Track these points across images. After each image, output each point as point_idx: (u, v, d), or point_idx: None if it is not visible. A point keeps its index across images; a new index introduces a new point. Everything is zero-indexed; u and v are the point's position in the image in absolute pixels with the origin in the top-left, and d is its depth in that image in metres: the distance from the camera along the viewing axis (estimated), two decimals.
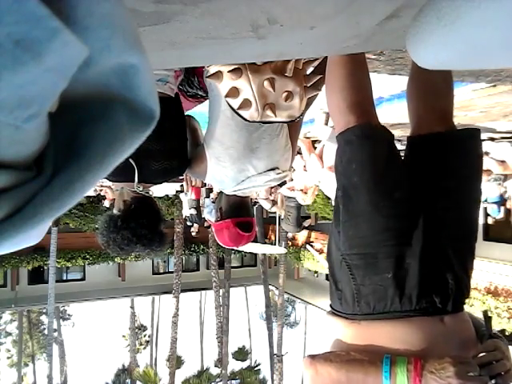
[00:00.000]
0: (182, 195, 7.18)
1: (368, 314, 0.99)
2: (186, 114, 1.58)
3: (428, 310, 0.95)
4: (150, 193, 1.46)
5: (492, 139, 4.82)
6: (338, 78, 1.13)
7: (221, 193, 1.60)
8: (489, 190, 5.13)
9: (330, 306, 1.12)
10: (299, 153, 4.21)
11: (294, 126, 1.43)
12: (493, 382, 0.83)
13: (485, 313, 1.02)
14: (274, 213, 7.07)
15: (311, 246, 11.47)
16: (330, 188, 4.01)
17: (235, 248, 1.67)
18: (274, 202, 5.77)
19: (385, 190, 1.02)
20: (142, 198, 1.42)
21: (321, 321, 17.49)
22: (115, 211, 1.39)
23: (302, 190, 4.73)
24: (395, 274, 0.96)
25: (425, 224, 0.99)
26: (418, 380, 0.83)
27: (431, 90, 1.18)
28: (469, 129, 1.13)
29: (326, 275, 11.75)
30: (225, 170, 1.39)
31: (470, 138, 1.13)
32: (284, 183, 4.76)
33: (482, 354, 0.89)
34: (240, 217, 1.54)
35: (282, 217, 6.80)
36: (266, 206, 5.72)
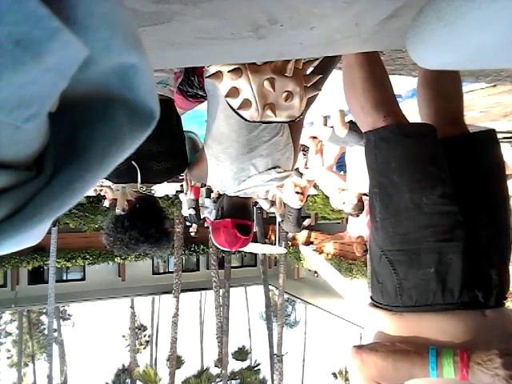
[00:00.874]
0: (181, 195, 7.18)
1: (410, 307, 1.01)
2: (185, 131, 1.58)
3: (470, 303, 0.97)
4: (153, 192, 1.47)
5: None
6: (358, 80, 1.14)
7: (223, 194, 1.60)
8: None
9: (371, 297, 1.14)
10: (304, 152, 4.21)
11: (295, 125, 1.42)
12: None
13: None
14: (274, 213, 7.07)
15: (308, 245, 11.46)
16: (328, 187, 4.01)
17: (228, 250, 1.62)
18: (273, 203, 5.76)
19: (427, 187, 1.03)
20: (145, 197, 1.43)
21: (321, 321, 17.50)
22: (118, 211, 1.40)
23: (298, 193, 4.73)
24: (437, 269, 0.98)
25: (465, 221, 1.02)
26: (466, 371, 0.85)
27: (441, 94, 1.20)
28: (483, 131, 1.17)
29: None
30: (225, 169, 1.39)
31: (490, 139, 1.16)
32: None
33: None
34: (240, 218, 1.53)
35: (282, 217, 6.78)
36: (265, 205, 5.72)
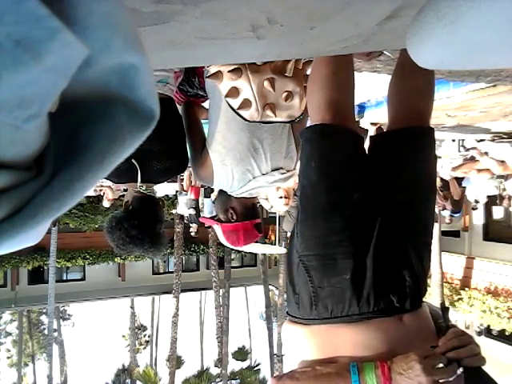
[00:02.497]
0: (180, 196, 7.17)
1: (326, 319, 0.96)
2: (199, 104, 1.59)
3: (386, 310, 0.93)
4: (155, 192, 1.48)
5: (492, 139, 4.83)
6: (320, 76, 1.13)
7: (221, 193, 1.60)
8: (486, 188, 5.14)
9: (287, 312, 1.08)
10: None
11: (298, 125, 1.42)
12: (461, 369, 0.81)
13: (442, 304, 1.00)
14: (274, 213, 7.06)
15: None
16: None
17: (237, 248, 1.68)
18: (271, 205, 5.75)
19: (343, 190, 1.00)
20: (142, 198, 1.43)
21: None
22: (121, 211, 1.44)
23: (282, 197, 4.74)
24: (353, 275, 0.94)
25: (383, 222, 0.98)
26: (389, 383, 0.82)
27: (413, 89, 1.17)
28: (422, 127, 1.13)
29: None
30: (230, 172, 1.39)
31: (424, 135, 1.12)
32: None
33: (444, 344, 0.87)
34: (254, 218, 1.57)
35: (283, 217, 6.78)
36: (266, 205, 5.71)
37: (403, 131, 1.12)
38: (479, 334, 9.02)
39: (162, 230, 1.44)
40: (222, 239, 1.62)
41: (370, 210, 1.00)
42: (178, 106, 1.63)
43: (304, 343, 0.99)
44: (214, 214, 1.69)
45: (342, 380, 0.85)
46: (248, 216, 1.55)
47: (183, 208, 7.07)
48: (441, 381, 0.81)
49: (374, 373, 0.83)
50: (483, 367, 0.86)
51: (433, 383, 0.80)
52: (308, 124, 1.43)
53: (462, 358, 0.83)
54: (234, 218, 1.54)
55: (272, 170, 1.43)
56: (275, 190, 4.15)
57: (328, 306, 0.95)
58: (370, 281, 0.94)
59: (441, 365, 0.82)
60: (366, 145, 1.18)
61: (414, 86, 1.17)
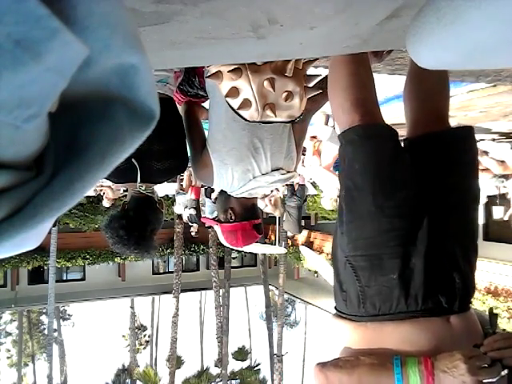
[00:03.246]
0: (177, 196, 7.16)
1: (374, 316, 0.98)
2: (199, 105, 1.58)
3: (434, 310, 0.94)
4: (155, 192, 1.48)
5: (493, 139, 4.82)
6: (341, 78, 1.13)
7: (221, 193, 1.60)
8: (486, 188, 5.13)
9: (335, 308, 1.11)
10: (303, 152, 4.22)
11: (298, 125, 1.42)
12: (505, 371, 0.82)
13: (490, 310, 1.00)
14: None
15: (307, 246, 11.46)
16: (327, 186, 4.02)
17: (237, 248, 1.67)
18: (266, 204, 5.78)
19: (389, 190, 1.01)
20: (140, 198, 1.43)
21: (321, 321, 17.50)
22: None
23: (267, 205, 4.81)
24: (400, 275, 0.95)
25: (429, 223, 0.99)
26: (431, 379, 0.83)
27: (428, 92, 1.18)
28: (464, 127, 1.14)
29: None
30: (230, 171, 1.39)
31: (466, 136, 1.13)
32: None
33: (488, 345, 0.87)
34: (254, 218, 1.56)
35: (284, 217, 6.78)
36: (261, 205, 5.72)
37: (445, 134, 1.13)
38: None
39: (153, 231, 1.42)
40: (222, 239, 1.62)
41: (415, 210, 1.01)
42: (178, 106, 1.63)
43: (350, 337, 1.02)
44: (215, 214, 1.69)
45: (385, 371, 0.87)
46: (247, 216, 1.54)
47: (180, 207, 7.07)
48: (484, 381, 0.81)
49: (417, 367, 0.85)
50: None
51: (476, 383, 0.81)
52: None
53: (506, 358, 0.83)
54: (233, 218, 1.53)
55: (272, 170, 1.43)
56: (261, 201, 4.17)
57: (376, 304, 0.97)
58: (419, 281, 0.95)
59: (485, 365, 0.83)
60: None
61: (427, 88, 1.18)
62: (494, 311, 1.02)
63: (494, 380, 0.81)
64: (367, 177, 1.02)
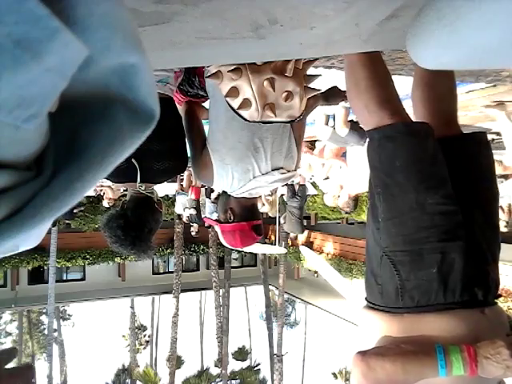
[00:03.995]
0: (178, 196, 7.16)
1: (411, 308, 1.01)
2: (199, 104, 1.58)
3: (470, 302, 0.98)
4: (154, 192, 1.47)
5: (492, 140, 4.82)
6: (361, 79, 1.13)
7: (223, 194, 1.60)
8: None
9: (367, 299, 1.13)
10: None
11: (298, 125, 1.42)
12: None
13: None
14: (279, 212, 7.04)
15: (307, 246, 11.47)
16: (327, 186, 4.03)
17: (238, 249, 1.67)
18: (262, 204, 5.79)
19: (431, 187, 1.04)
20: (138, 199, 1.43)
21: (321, 321, 17.49)
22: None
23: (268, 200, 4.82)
24: (440, 269, 0.99)
25: (465, 220, 1.03)
26: (475, 365, 0.85)
27: (436, 95, 1.20)
28: (479, 132, 1.19)
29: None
30: (230, 171, 1.39)
31: (482, 140, 1.18)
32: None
33: None
34: (253, 219, 1.55)
35: (282, 220, 6.78)
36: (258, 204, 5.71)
37: (468, 137, 1.18)
38: None
39: (151, 232, 1.42)
40: (221, 239, 1.62)
41: (455, 207, 1.04)
42: (177, 106, 1.63)
43: (387, 329, 1.04)
44: (214, 214, 1.69)
45: (429, 358, 0.88)
46: (246, 217, 1.53)
47: (180, 207, 7.07)
48: None
49: (459, 354, 0.87)
50: None
51: None
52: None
53: None
54: (232, 218, 1.53)
55: (272, 170, 1.43)
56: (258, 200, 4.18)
57: (415, 297, 1.01)
58: (457, 274, 0.99)
59: None
60: None
61: (434, 92, 1.22)
62: None
63: None
64: (410, 174, 1.05)
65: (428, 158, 1.06)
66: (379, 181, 1.10)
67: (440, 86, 1.19)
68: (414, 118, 1.27)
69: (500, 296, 1.06)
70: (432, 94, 1.21)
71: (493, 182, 1.17)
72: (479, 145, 1.17)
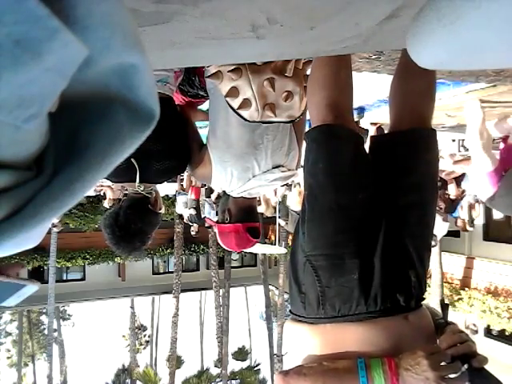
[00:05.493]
0: (178, 196, 7.17)
1: (333, 317, 0.97)
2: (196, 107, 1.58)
3: (392, 309, 0.95)
4: (153, 193, 1.47)
5: (492, 139, 4.82)
6: (322, 77, 1.13)
7: (224, 194, 1.59)
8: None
9: (291, 311, 1.09)
10: None
11: (298, 124, 1.42)
12: (465, 366, 0.84)
13: (441, 301, 1.07)
14: (274, 212, 7.04)
15: None
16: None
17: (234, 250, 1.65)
18: (259, 203, 5.79)
19: (349, 191, 1.02)
20: (134, 199, 1.43)
21: None
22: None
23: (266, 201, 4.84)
24: (361, 275, 0.96)
25: (388, 223, 1.00)
26: (396, 379, 0.83)
27: (412, 92, 1.18)
28: (425, 129, 1.15)
29: None
30: (229, 169, 1.38)
31: (427, 136, 1.14)
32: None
33: (444, 340, 0.90)
34: (250, 221, 1.53)
35: (283, 222, 6.78)
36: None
37: (406, 133, 1.13)
38: (475, 332, 9.02)
39: (139, 233, 1.41)
40: (219, 240, 1.61)
41: (374, 211, 1.02)
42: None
43: (310, 342, 1.00)
44: (214, 214, 1.68)
45: (350, 375, 0.86)
46: (241, 218, 1.51)
47: (181, 208, 7.08)
48: (446, 377, 0.83)
49: (381, 368, 0.85)
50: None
51: (439, 378, 0.82)
52: (307, 123, 1.42)
53: (463, 354, 0.85)
54: (228, 219, 1.52)
55: (272, 168, 1.42)
56: None
57: (336, 306, 0.97)
58: (378, 280, 0.96)
59: (445, 362, 0.84)
60: (367, 145, 1.18)
61: (416, 88, 1.17)
62: (445, 302, 1.04)
63: (456, 375, 0.83)
64: (330, 175, 1.03)
65: (349, 161, 1.04)
66: (306, 182, 1.09)
67: (421, 81, 1.16)
68: (388, 106, 1.25)
69: (424, 299, 1.03)
70: (411, 86, 1.18)
71: (432, 178, 1.13)
72: (423, 140, 1.13)
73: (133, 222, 1.39)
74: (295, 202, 4.26)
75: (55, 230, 9.10)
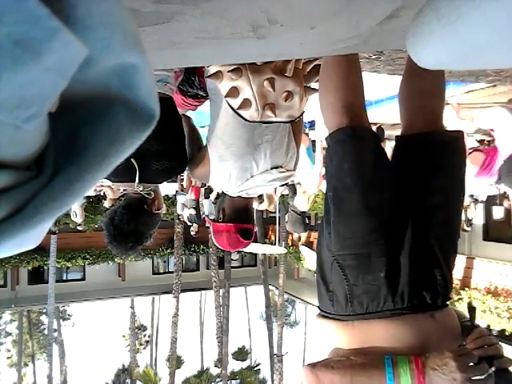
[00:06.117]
0: (178, 196, 7.17)
1: (361, 314, 0.99)
2: (184, 114, 1.58)
3: (419, 307, 0.97)
4: (152, 193, 1.47)
5: (492, 139, 4.82)
6: (334, 78, 1.13)
7: (223, 193, 1.59)
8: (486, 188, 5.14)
9: (319, 308, 1.12)
10: None
11: (297, 124, 1.42)
12: (493, 368, 0.85)
13: (469, 304, 1.06)
14: (274, 212, 7.03)
15: (307, 246, 11.46)
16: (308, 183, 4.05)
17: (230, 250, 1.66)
18: (262, 200, 5.77)
19: (375, 190, 1.03)
20: (132, 199, 1.43)
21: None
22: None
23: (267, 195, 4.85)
24: (387, 273, 0.98)
25: (414, 223, 1.02)
26: (422, 377, 0.84)
27: (423, 92, 1.19)
28: (453, 130, 1.17)
29: None
30: (228, 168, 1.38)
31: (455, 138, 1.15)
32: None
33: (471, 342, 0.91)
34: (242, 223, 1.53)
35: (286, 219, 6.77)
36: (254, 203, 5.71)
37: (436, 134, 1.15)
38: None
39: (134, 233, 1.41)
40: (213, 239, 1.62)
41: (400, 210, 1.03)
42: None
43: (338, 337, 1.03)
44: (214, 213, 1.68)
45: (377, 371, 0.88)
46: (234, 219, 1.52)
47: (181, 207, 7.08)
48: (473, 378, 0.83)
49: (408, 366, 0.86)
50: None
51: (466, 380, 0.82)
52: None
53: (489, 357, 0.86)
54: (222, 218, 1.53)
55: (271, 168, 1.42)
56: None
57: (363, 303, 0.99)
58: (405, 278, 0.97)
59: (472, 363, 0.85)
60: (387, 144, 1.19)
61: (422, 89, 1.19)
62: (473, 305, 1.07)
63: (482, 377, 0.84)
64: (356, 177, 1.04)
65: (372, 161, 1.05)
66: (331, 184, 1.10)
67: (428, 83, 1.18)
68: (399, 114, 1.26)
69: (450, 298, 1.04)
70: (419, 89, 1.19)
71: (460, 181, 1.14)
72: (451, 143, 1.14)
73: (126, 222, 1.39)
74: (303, 204, 4.25)
75: (79, 228, 9.12)
